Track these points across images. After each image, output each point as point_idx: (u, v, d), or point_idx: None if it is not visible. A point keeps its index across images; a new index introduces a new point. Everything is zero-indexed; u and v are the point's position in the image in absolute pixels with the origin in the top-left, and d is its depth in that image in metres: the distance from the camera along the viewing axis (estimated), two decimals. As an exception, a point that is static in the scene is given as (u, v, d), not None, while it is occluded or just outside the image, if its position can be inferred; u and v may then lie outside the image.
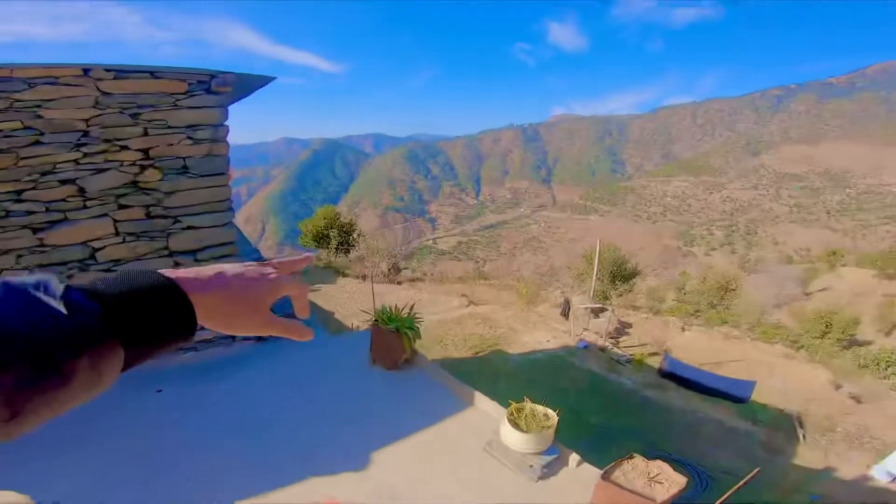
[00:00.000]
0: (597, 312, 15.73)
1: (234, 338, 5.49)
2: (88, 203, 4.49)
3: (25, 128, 4.06)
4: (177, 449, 3.82)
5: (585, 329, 14.26)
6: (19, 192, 4.17)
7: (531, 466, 3.75)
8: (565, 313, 15.50)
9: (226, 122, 4.88)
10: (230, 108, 5.00)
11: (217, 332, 0.45)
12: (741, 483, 4.28)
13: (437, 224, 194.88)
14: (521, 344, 12.06)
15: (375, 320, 5.31)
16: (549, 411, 4.04)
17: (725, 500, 4.19)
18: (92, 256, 4.59)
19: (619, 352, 13.04)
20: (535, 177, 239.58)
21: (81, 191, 4.40)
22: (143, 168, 4.63)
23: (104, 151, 4.38)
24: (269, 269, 0.56)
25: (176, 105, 4.56)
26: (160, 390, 4.62)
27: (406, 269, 24.35)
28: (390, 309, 5.37)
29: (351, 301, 14.60)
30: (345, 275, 18.06)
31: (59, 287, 0.37)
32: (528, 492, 3.61)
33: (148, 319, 0.42)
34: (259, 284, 0.53)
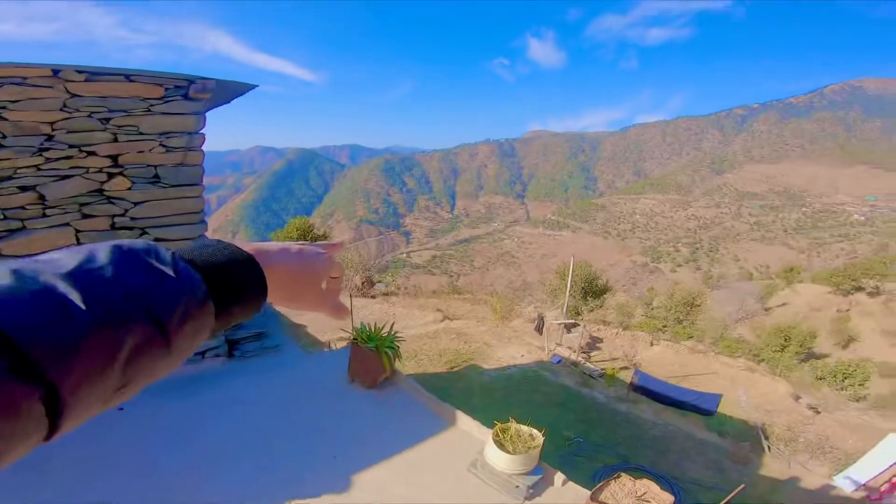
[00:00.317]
0: (569, 328, 15.94)
1: (203, 354, 5.27)
2: (48, 211, 4.26)
3: (-15, 130, 3.85)
4: (140, 473, 3.60)
5: (558, 344, 14.41)
6: (-26, 198, 3.93)
7: (517, 487, 3.72)
8: (539, 328, 15.65)
9: (202, 130, 4.73)
10: (207, 113, 4.86)
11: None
12: (727, 499, 4.36)
13: (411, 237, 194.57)
14: (496, 359, 12.07)
15: (355, 339, 5.22)
16: (535, 431, 4.03)
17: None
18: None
19: (592, 366, 13.23)
20: (510, 192, 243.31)
21: (42, 198, 4.18)
22: (110, 176, 4.44)
23: (69, 157, 4.17)
24: (323, 250, 0.58)
25: (150, 110, 4.40)
26: (121, 408, 4.37)
27: (380, 282, 24.12)
28: (370, 327, 5.29)
29: (324, 315, 14.28)
30: (318, 288, 17.69)
31: (167, 253, 0.39)
32: (514, 512, 3.57)
33: (234, 290, 0.43)
34: (318, 261, 0.56)
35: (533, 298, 26.75)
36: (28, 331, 0.29)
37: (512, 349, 13.09)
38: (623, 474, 5.02)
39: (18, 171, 4.03)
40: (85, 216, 4.40)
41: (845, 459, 8.96)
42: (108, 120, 4.28)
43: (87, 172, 4.31)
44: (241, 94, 5.33)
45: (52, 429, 0.30)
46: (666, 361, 15.76)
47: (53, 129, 4.08)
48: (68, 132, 4.14)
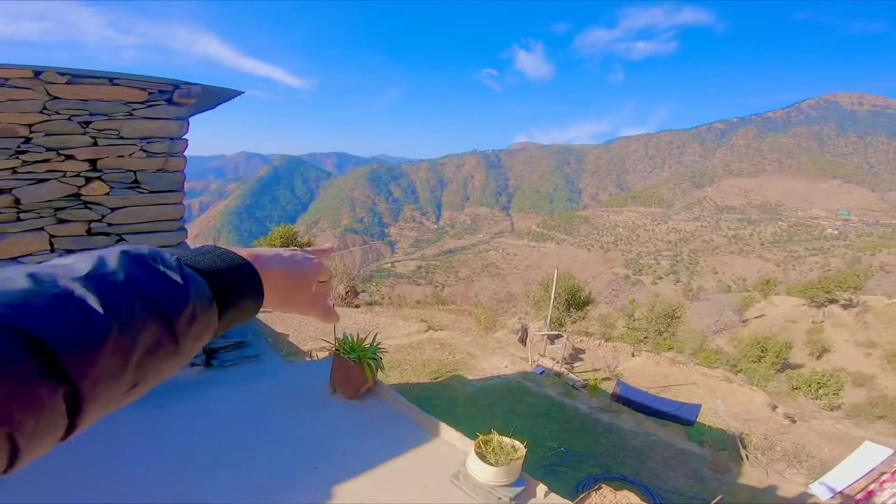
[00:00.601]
0: (553, 339, 16.04)
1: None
2: (23, 215, 4.15)
3: (-41, 131, 3.75)
4: (109, 483, 3.49)
5: (542, 355, 14.48)
6: (-56, 201, 3.82)
7: (500, 499, 3.71)
8: (523, 339, 15.72)
9: (185, 136, 4.68)
10: (190, 118, 4.80)
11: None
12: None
13: (396, 247, 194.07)
14: (480, 369, 12.05)
15: (337, 349, 5.17)
16: (517, 443, 4.03)
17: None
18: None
19: (574, 377, 13.31)
20: (495, 203, 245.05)
21: (17, 202, 4.07)
22: (88, 180, 4.35)
23: (46, 160, 4.08)
24: (312, 255, 0.61)
25: (132, 114, 4.33)
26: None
27: (364, 292, 23.95)
28: (352, 338, 5.25)
29: (306, 324, 14.14)
30: (300, 297, 17.49)
31: (171, 259, 0.40)
32: (495, 523, 3.55)
33: (234, 294, 0.45)
34: (309, 266, 0.58)
35: (517, 310, 26.90)
36: (54, 333, 0.30)
37: (496, 360, 13.10)
38: (604, 486, 5.05)
39: (-7, 173, 3.93)
40: (60, 221, 4.30)
41: (821, 467, 9.14)
42: (88, 123, 4.20)
43: (64, 176, 4.22)
44: (227, 100, 5.29)
45: (70, 428, 0.32)
46: (647, 372, 15.95)
47: (31, 132, 3.99)
48: (46, 135, 4.05)
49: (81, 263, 0.35)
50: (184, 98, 4.44)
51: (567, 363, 15.12)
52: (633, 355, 17.70)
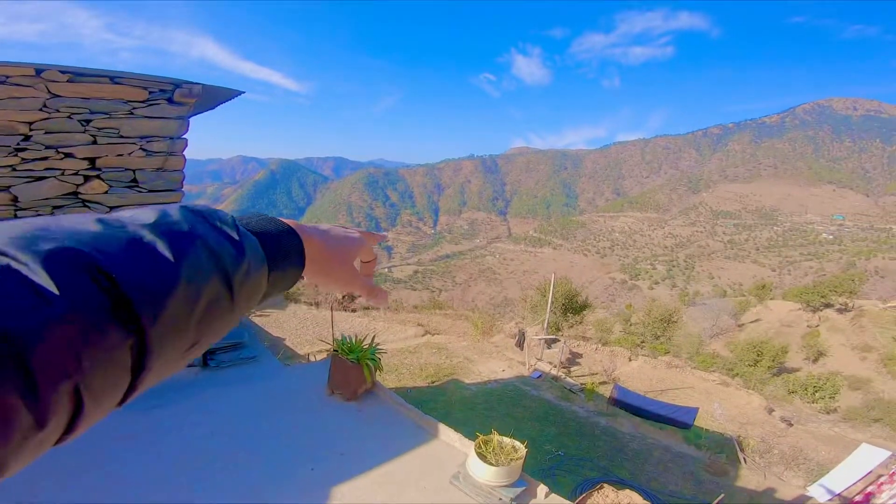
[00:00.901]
0: (549, 343, 16.04)
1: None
2: (20, 213, 4.13)
3: (-41, 128, 3.74)
4: (102, 482, 3.45)
5: (539, 359, 14.47)
6: (-58, 198, 3.80)
7: (500, 499, 3.69)
8: (520, 344, 15.71)
9: (185, 136, 4.68)
10: (189, 119, 4.80)
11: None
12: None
13: (393, 252, 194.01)
14: (477, 373, 12.04)
15: (336, 350, 5.15)
16: (518, 443, 4.02)
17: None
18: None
19: (572, 381, 13.31)
20: (493, 208, 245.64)
21: (15, 199, 4.05)
22: (86, 178, 4.33)
23: (45, 158, 4.07)
24: (353, 230, 0.60)
25: (132, 113, 4.33)
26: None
27: (360, 297, 23.89)
28: (351, 339, 5.24)
29: (303, 328, 14.09)
30: (296, 301, 17.47)
31: (227, 217, 0.39)
32: (496, 523, 3.54)
33: (281, 259, 0.44)
34: (349, 241, 0.57)
35: (514, 314, 26.91)
36: (128, 273, 0.28)
37: (493, 364, 13.08)
38: (606, 485, 5.04)
39: (-9, 171, 3.92)
40: (58, 220, 4.28)
41: (819, 470, 9.16)
42: (88, 122, 4.19)
43: (62, 174, 4.20)
44: (227, 101, 5.30)
45: (130, 389, 0.30)
46: (644, 376, 15.97)
47: (31, 130, 3.98)
48: (46, 133, 4.04)
49: (145, 214, 0.34)
50: (185, 97, 4.44)
51: (564, 367, 15.11)
52: (630, 359, 17.72)
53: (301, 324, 14.45)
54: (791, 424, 12.88)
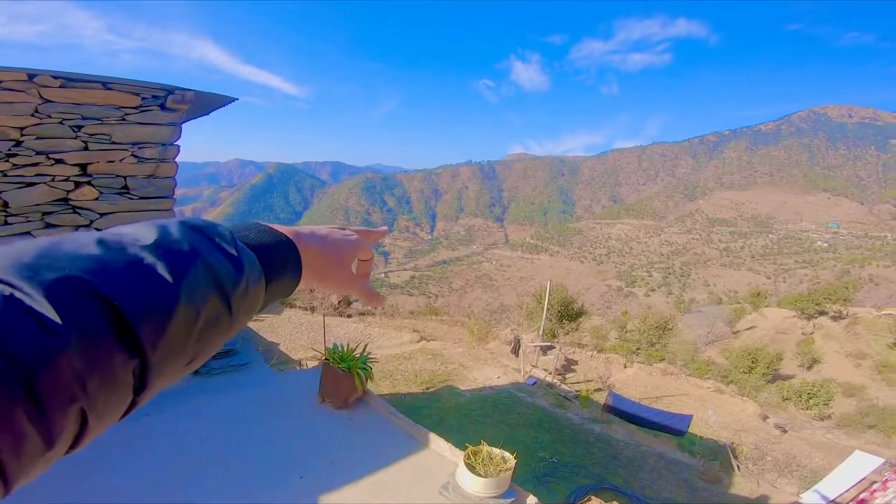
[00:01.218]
0: (545, 350, 16.03)
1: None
2: (10, 219, 4.11)
3: (-51, 134, 3.73)
4: (97, 491, 3.42)
5: (534, 366, 14.46)
6: (-69, 203, 3.78)
7: (487, 509, 3.67)
8: (515, 351, 15.69)
9: (177, 142, 4.67)
10: (183, 124, 4.81)
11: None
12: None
13: (390, 257, 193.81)
14: (472, 380, 12.00)
15: (327, 359, 5.13)
16: (507, 454, 4.00)
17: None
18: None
19: (567, 388, 13.29)
20: (490, 214, 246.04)
21: (5, 205, 4.04)
22: (77, 185, 4.32)
23: (36, 164, 4.06)
24: (350, 231, 0.60)
25: (124, 119, 4.32)
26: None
27: (356, 301, 23.85)
28: (342, 347, 5.22)
29: (298, 333, 14.03)
30: (291, 306, 17.40)
31: (226, 232, 0.39)
32: (484, 533, 3.52)
33: (278, 271, 0.44)
34: (347, 244, 0.57)
35: (510, 321, 26.89)
36: (130, 300, 0.29)
37: (488, 371, 13.05)
38: (593, 497, 5.03)
39: (-19, 176, 3.91)
40: (48, 225, 4.26)
41: (812, 477, 9.16)
42: (80, 127, 4.19)
43: (53, 180, 4.19)
44: (220, 107, 5.31)
45: (130, 406, 0.31)
46: (639, 383, 15.96)
47: (23, 135, 3.97)
48: (37, 138, 4.03)
49: (145, 232, 0.34)
50: (177, 104, 4.44)
51: (559, 374, 15.10)
52: (626, 366, 17.71)
53: (296, 329, 14.39)
54: (785, 431, 12.89)
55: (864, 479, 7.85)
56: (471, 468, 3.81)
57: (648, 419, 9.90)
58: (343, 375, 4.99)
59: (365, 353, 5.35)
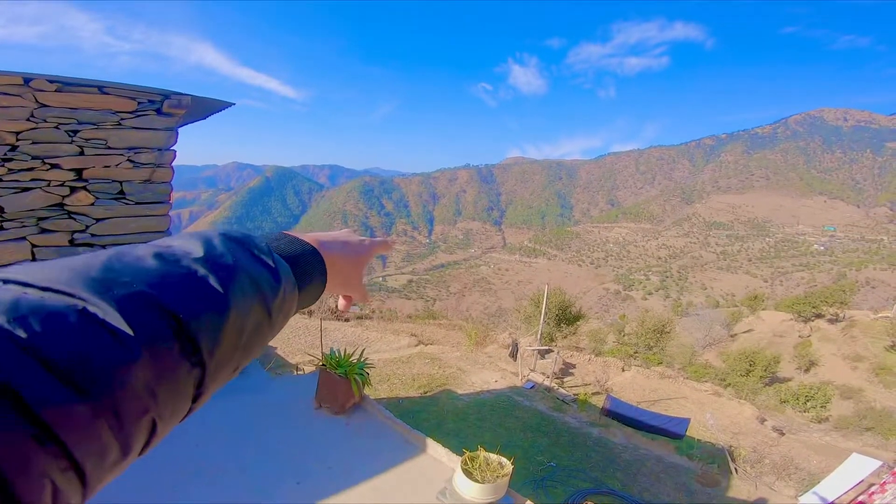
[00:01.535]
0: (543, 353, 16.02)
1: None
2: (6, 224, 4.09)
3: (-55, 139, 3.72)
4: (92, 498, 3.39)
5: (532, 370, 14.44)
6: (-74, 208, 3.76)
7: (486, 516, 3.66)
8: (513, 354, 15.67)
9: (173, 147, 4.67)
10: (179, 129, 4.80)
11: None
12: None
13: (387, 261, 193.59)
14: (470, 384, 11.98)
15: (323, 364, 5.12)
16: (504, 460, 3.99)
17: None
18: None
19: (565, 392, 13.27)
20: (487, 218, 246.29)
21: (0, 210, 4.03)
22: (72, 190, 4.31)
23: (31, 169, 4.04)
24: (365, 240, 0.62)
25: (120, 124, 4.31)
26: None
27: (354, 305, 23.80)
28: (339, 353, 5.21)
29: (295, 336, 14.00)
30: (290, 310, 17.33)
31: (262, 243, 0.41)
32: (481, 539, 3.50)
33: (306, 279, 0.46)
34: (363, 250, 0.59)
35: (508, 325, 26.87)
36: (191, 313, 0.30)
37: (486, 374, 13.03)
38: (591, 501, 5.01)
39: (-24, 182, 3.89)
40: (43, 231, 4.24)
41: (810, 480, 9.16)
42: (75, 132, 4.18)
43: (48, 185, 4.17)
44: (217, 111, 5.31)
45: (186, 413, 0.33)
46: (637, 386, 15.96)
47: (18, 140, 3.96)
48: (33, 143, 4.02)
49: (192, 245, 0.35)
50: (173, 108, 4.44)
51: (557, 378, 15.09)
52: (623, 370, 17.70)
53: (294, 333, 14.36)
54: (783, 434, 12.89)
55: (862, 481, 7.86)
56: (468, 474, 3.80)
57: (646, 422, 9.88)
58: (340, 381, 4.98)
59: (362, 359, 5.34)
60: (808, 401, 19.10)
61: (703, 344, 31.45)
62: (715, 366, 25.19)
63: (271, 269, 0.39)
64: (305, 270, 0.46)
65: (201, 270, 0.33)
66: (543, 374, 14.15)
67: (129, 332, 0.26)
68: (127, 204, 4.53)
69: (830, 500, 7.76)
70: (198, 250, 0.35)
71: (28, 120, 3.99)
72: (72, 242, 4.38)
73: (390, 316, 22.88)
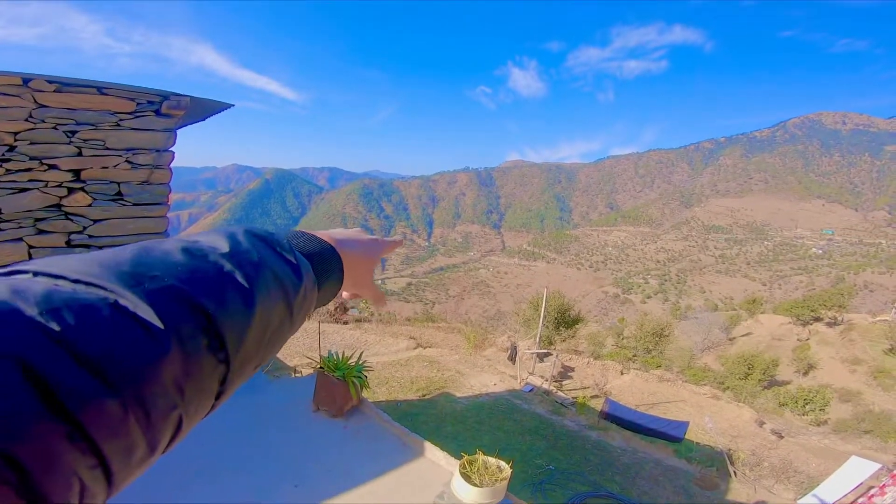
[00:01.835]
0: (542, 357, 16.00)
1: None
2: (3, 225, 4.07)
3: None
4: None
5: (531, 373, 14.42)
6: (-78, 209, 3.75)
7: (484, 520, 3.64)
8: (512, 357, 15.66)
9: (172, 148, 4.66)
10: (179, 130, 4.80)
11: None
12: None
13: (386, 264, 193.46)
14: (468, 387, 11.95)
15: (321, 367, 5.10)
16: (503, 463, 3.97)
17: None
18: (0, 283, 4.12)
19: (563, 395, 13.25)
20: (487, 221, 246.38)
21: (-3, 211, 4.02)
22: (70, 191, 4.29)
23: (29, 169, 4.03)
24: (375, 238, 0.61)
25: (118, 125, 4.31)
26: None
27: (353, 308, 23.76)
28: (337, 356, 5.20)
29: (293, 339, 13.97)
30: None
31: (284, 241, 0.41)
32: (480, 543, 3.48)
33: (326, 276, 0.46)
34: (376, 248, 0.59)
35: (507, 328, 26.85)
36: (218, 308, 0.30)
37: (485, 377, 13.00)
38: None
39: (-26, 182, 3.88)
40: (40, 231, 4.23)
41: (809, 483, 9.14)
42: (73, 133, 4.17)
43: (45, 186, 4.16)
44: (216, 113, 5.31)
45: (210, 409, 0.32)
46: (635, 390, 15.94)
47: (16, 140, 3.94)
48: (31, 143, 4.01)
49: (218, 241, 0.35)
50: (172, 109, 4.44)
51: (556, 381, 15.06)
52: (622, 373, 17.68)
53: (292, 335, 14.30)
54: (781, 437, 12.88)
55: (861, 484, 7.85)
56: (466, 477, 3.78)
57: (645, 426, 9.87)
58: (337, 384, 4.96)
59: (360, 362, 5.33)
60: (806, 404, 19.09)
61: (702, 347, 31.45)
62: (714, 369, 25.17)
63: (293, 265, 0.39)
64: (324, 268, 0.46)
65: (228, 266, 0.33)
66: (542, 377, 14.13)
67: (160, 325, 0.26)
68: (125, 205, 4.52)
69: (830, 502, 7.74)
70: (224, 246, 0.34)
71: (26, 120, 3.98)
72: (69, 243, 4.36)
73: (389, 319, 22.85)
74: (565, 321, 20.49)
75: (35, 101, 3.98)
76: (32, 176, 4.09)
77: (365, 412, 5.19)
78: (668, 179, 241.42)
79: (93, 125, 4.24)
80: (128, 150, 4.43)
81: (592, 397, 13.29)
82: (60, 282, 0.26)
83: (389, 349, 15.00)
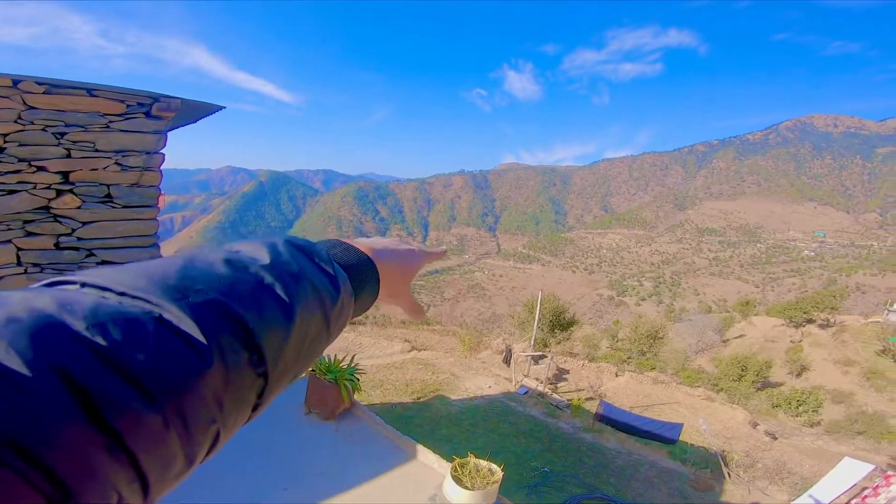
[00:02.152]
0: (536, 359, 16.00)
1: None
2: (-10, 227, 4.04)
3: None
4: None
5: (526, 375, 14.42)
6: None
7: (475, 522, 3.63)
8: (507, 360, 15.66)
9: (162, 150, 4.63)
10: (170, 132, 4.77)
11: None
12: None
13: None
14: (463, 390, 11.93)
15: (313, 369, 5.08)
16: (494, 466, 3.97)
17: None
18: (-13, 286, 4.08)
19: (558, 397, 13.26)
20: (482, 224, 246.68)
21: (-15, 213, 3.97)
22: (59, 193, 4.25)
23: (17, 171, 3.99)
24: (415, 248, 0.60)
25: (108, 127, 4.27)
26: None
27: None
28: (329, 358, 5.18)
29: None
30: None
31: (323, 252, 0.40)
32: (471, 546, 3.47)
33: (362, 287, 0.45)
34: (414, 260, 0.58)
35: (502, 330, 26.86)
36: (258, 322, 0.30)
37: (480, 380, 12.99)
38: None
39: (-41, 184, 3.84)
40: (28, 234, 4.18)
41: (803, 484, 9.18)
42: (63, 135, 4.13)
43: (34, 188, 4.12)
44: (208, 115, 5.28)
45: (247, 420, 0.32)
46: (630, 392, 15.97)
47: (5, 142, 3.91)
48: (20, 145, 3.97)
49: (259, 251, 0.35)
50: (163, 111, 4.41)
51: (551, 383, 15.07)
52: (617, 375, 17.72)
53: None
54: (775, 438, 12.94)
55: (854, 485, 7.90)
56: (457, 480, 3.78)
57: (639, 428, 9.88)
58: (329, 387, 4.94)
59: (352, 365, 5.31)
60: (799, 405, 19.20)
61: (696, 349, 31.62)
62: (707, 371, 25.30)
63: (332, 277, 0.39)
64: (360, 280, 0.45)
65: (268, 278, 0.33)
66: (537, 379, 14.13)
67: (203, 340, 0.26)
68: (114, 207, 4.48)
69: (825, 503, 7.78)
70: (265, 257, 0.34)
71: (15, 122, 3.94)
72: (57, 246, 4.32)
73: (384, 321, 22.79)
74: (560, 324, 20.52)
75: (24, 103, 3.94)
76: (21, 178, 4.05)
77: (357, 415, 5.17)
78: (662, 182, 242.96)
79: (82, 127, 4.20)
80: (117, 152, 4.39)
81: (587, 399, 13.30)
82: (107, 294, 0.26)
83: (384, 352, 14.96)
